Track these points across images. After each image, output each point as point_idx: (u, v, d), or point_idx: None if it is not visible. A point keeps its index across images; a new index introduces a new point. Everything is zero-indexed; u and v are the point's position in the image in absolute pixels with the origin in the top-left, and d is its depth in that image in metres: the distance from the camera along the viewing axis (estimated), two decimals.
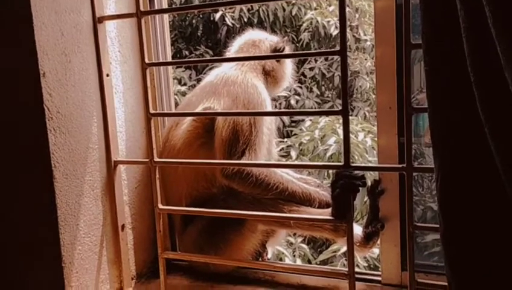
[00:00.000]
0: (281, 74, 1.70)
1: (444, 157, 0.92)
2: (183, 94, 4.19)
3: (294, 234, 2.85)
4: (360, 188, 1.26)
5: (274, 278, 1.53)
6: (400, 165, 1.23)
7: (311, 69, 5.19)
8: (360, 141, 3.50)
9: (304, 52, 4.45)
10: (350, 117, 1.22)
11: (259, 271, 1.54)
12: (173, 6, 4.19)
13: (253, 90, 1.51)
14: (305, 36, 5.15)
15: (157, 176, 1.40)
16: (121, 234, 1.48)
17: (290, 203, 1.43)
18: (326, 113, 3.78)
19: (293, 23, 5.33)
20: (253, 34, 1.74)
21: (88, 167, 1.37)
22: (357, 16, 5.36)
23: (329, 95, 5.31)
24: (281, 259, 2.88)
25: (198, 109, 1.51)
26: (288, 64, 1.74)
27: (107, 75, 1.42)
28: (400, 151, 1.31)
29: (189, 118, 1.54)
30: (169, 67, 1.72)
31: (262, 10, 5.11)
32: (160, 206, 1.42)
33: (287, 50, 1.70)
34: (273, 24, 5.18)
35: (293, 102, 4.87)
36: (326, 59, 5.18)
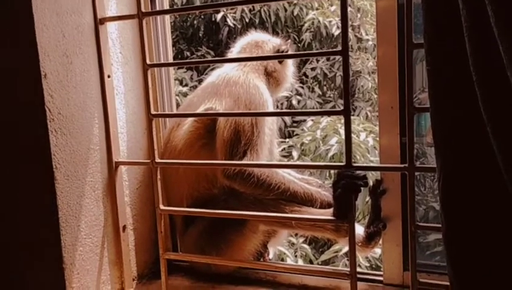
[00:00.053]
0: (282, 75, 1.70)
1: (446, 156, 0.92)
2: (185, 95, 4.19)
3: (296, 235, 2.85)
4: (362, 188, 1.25)
5: (275, 279, 1.52)
6: (402, 165, 1.22)
7: (313, 69, 5.19)
8: (362, 140, 3.50)
9: (305, 52, 4.45)
10: (352, 117, 1.22)
11: (260, 271, 1.54)
12: (174, 7, 4.20)
13: (255, 90, 1.51)
14: (306, 36, 5.15)
15: (159, 176, 1.40)
16: (122, 235, 1.48)
17: (292, 203, 1.43)
18: (328, 113, 3.77)
19: (294, 24, 5.33)
20: (256, 36, 1.74)
21: (89, 168, 1.37)
22: (358, 15, 5.36)
23: (331, 95, 5.31)
24: (282, 259, 2.87)
25: (200, 110, 1.51)
26: (290, 66, 1.74)
27: (109, 76, 1.42)
28: (401, 151, 1.31)
29: (190, 119, 1.54)
30: (171, 68, 1.72)
31: (264, 11, 5.11)
32: (162, 207, 1.42)
33: (290, 52, 1.70)
34: (275, 24, 5.18)
35: (294, 102, 4.87)
36: (328, 59, 5.18)
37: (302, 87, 5.06)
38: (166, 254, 1.44)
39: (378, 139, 1.48)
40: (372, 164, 2.92)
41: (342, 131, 1.54)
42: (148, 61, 1.36)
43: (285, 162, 3.43)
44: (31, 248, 1.33)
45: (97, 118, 1.40)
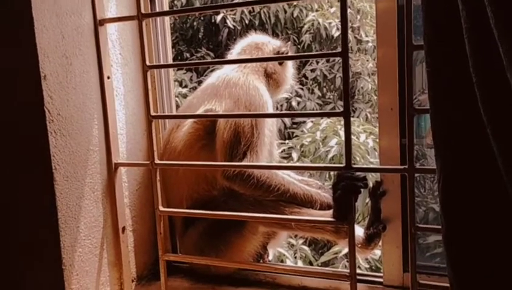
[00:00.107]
0: (282, 76, 1.70)
1: (445, 158, 0.92)
2: (184, 96, 4.19)
3: (296, 236, 2.84)
4: (362, 190, 1.25)
5: (275, 280, 1.52)
6: (402, 167, 1.22)
7: (312, 70, 5.19)
8: (362, 142, 3.50)
9: (305, 53, 4.43)
10: (352, 118, 1.22)
11: (260, 273, 1.54)
12: (174, 8, 4.20)
13: (254, 92, 1.51)
14: (306, 38, 5.16)
15: (158, 178, 1.40)
16: (121, 236, 1.48)
17: (291, 204, 1.43)
18: (328, 115, 3.78)
19: (294, 25, 5.33)
20: (256, 37, 1.74)
21: (89, 169, 1.37)
22: (358, 17, 5.36)
23: (331, 97, 5.31)
24: (282, 261, 2.87)
25: (200, 111, 1.51)
26: (290, 68, 1.74)
27: (108, 78, 1.42)
28: (401, 152, 1.31)
29: (190, 120, 1.54)
30: (170, 69, 1.72)
31: (264, 12, 5.12)
32: (161, 208, 1.42)
33: (290, 54, 1.70)
34: (275, 26, 5.19)
35: (294, 104, 4.87)
36: (327, 60, 5.19)
37: (302, 89, 5.06)
38: (165, 255, 1.44)
39: (378, 140, 1.48)
40: (372, 166, 2.92)
41: (342, 132, 1.54)
42: (147, 63, 1.36)
43: (285, 163, 3.43)
44: (30, 249, 1.33)
45: (97, 119, 1.40)
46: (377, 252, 2.16)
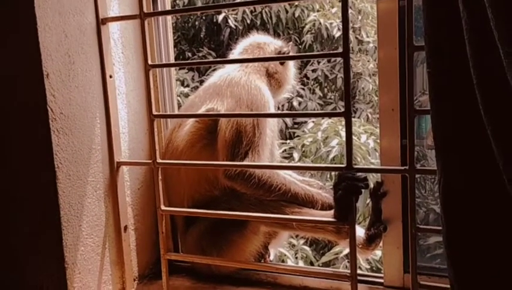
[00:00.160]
0: (284, 76, 1.70)
1: (446, 159, 0.92)
2: (186, 96, 4.19)
3: (297, 236, 2.84)
4: (363, 190, 1.25)
5: (276, 280, 1.53)
6: (403, 167, 1.22)
7: (313, 70, 5.19)
8: (363, 142, 3.49)
9: (306, 54, 4.43)
10: (353, 119, 1.22)
11: (261, 273, 1.54)
12: (176, 7, 4.21)
13: (256, 91, 1.52)
14: (307, 38, 5.16)
15: (160, 177, 1.41)
16: (123, 235, 1.48)
17: (293, 204, 1.43)
18: (329, 115, 3.77)
19: (295, 25, 5.33)
20: (257, 37, 1.74)
21: (91, 167, 1.37)
22: (359, 17, 5.36)
23: (332, 97, 5.31)
24: (283, 261, 2.87)
25: (201, 110, 1.52)
26: (292, 68, 1.75)
27: (110, 77, 1.43)
28: (402, 153, 1.31)
29: (192, 120, 1.54)
30: (172, 68, 1.72)
31: (265, 12, 5.12)
32: (163, 207, 1.42)
33: (291, 54, 1.70)
34: (276, 26, 5.19)
35: (295, 104, 4.87)
36: (328, 61, 5.19)
37: (303, 89, 5.06)
38: (167, 255, 1.45)
39: (378, 141, 1.48)
40: (372, 166, 2.92)
41: (343, 133, 1.54)
42: (149, 62, 1.37)
43: (286, 163, 3.43)
44: (32, 248, 1.33)
45: (99, 118, 1.40)
46: (378, 253, 2.17)
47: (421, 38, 0.99)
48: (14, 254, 1.36)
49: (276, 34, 4.77)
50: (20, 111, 1.28)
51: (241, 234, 1.47)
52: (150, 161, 1.42)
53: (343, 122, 1.20)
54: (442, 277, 1.31)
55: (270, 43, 1.70)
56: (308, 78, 5.20)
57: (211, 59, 4.91)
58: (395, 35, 1.27)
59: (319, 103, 5.09)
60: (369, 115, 5.04)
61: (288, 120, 4.64)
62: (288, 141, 4.11)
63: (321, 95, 5.23)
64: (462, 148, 0.90)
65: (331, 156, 3.48)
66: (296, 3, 5.15)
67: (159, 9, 1.57)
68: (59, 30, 1.26)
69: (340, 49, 1.16)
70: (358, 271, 1.29)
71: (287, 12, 5.23)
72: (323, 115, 3.94)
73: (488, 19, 0.76)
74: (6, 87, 1.28)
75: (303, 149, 3.84)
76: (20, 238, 1.35)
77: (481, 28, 0.79)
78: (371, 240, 1.39)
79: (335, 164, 3.35)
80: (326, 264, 3.01)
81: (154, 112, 1.40)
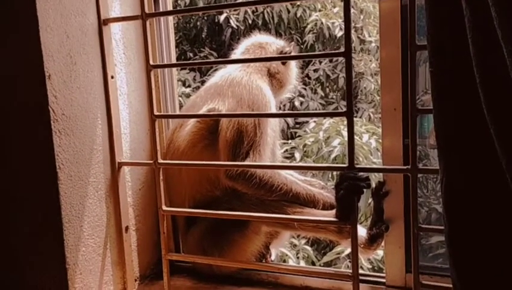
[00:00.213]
0: (285, 76, 1.70)
1: (448, 158, 0.92)
2: (188, 96, 4.20)
3: (298, 236, 2.85)
4: (365, 190, 1.25)
5: (278, 280, 1.52)
6: (405, 167, 1.22)
7: (315, 70, 5.19)
8: (365, 142, 3.49)
9: (308, 53, 4.44)
10: (354, 118, 1.22)
11: (262, 273, 1.54)
12: (178, 8, 4.21)
13: (257, 91, 1.51)
14: (309, 38, 5.16)
15: (161, 177, 1.41)
16: (124, 236, 1.48)
17: (294, 204, 1.43)
18: (331, 115, 3.77)
19: (297, 25, 5.33)
20: (259, 37, 1.74)
21: (92, 168, 1.37)
22: (361, 17, 5.36)
23: (334, 97, 5.31)
24: (284, 261, 2.87)
25: (203, 110, 1.52)
26: (293, 67, 1.74)
27: (112, 77, 1.43)
28: (404, 152, 1.31)
29: (193, 120, 1.54)
30: (174, 69, 1.72)
31: (267, 12, 5.12)
32: (164, 207, 1.42)
33: (293, 54, 1.70)
34: (278, 26, 5.19)
35: (297, 103, 4.88)
36: (330, 60, 5.19)
37: (305, 89, 5.07)
38: (168, 255, 1.44)
39: (380, 140, 1.48)
40: (374, 166, 2.91)
41: (345, 133, 1.54)
42: (151, 62, 1.37)
43: (287, 163, 3.43)
44: (34, 248, 1.34)
45: (100, 119, 1.40)
46: (380, 253, 2.16)
47: (423, 38, 0.98)
48: (14, 254, 1.36)
49: (278, 34, 4.76)
50: (21, 112, 1.28)
51: (242, 234, 1.46)
52: (151, 161, 1.42)
53: (345, 122, 1.20)
54: (445, 276, 1.31)
55: (272, 43, 1.70)
56: (309, 78, 5.21)
57: (213, 59, 4.91)
58: (397, 34, 1.27)
59: (320, 103, 5.09)
60: (371, 115, 5.04)
61: (290, 120, 4.64)
62: (289, 141, 4.11)
63: (323, 94, 5.23)
64: (464, 147, 0.90)
65: (333, 155, 3.48)
66: (298, 3, 5.15)
67: (161, 10, 1.56)
68: (61, 31, 1.26)
69: (342, 49, 1.15)
70: (360, 271, 1.29)
71: (288, 12, 5.23)
72: (325, 115, 3.93)
73: (491, 17, 0.76)
74: (7, 88, 1.28)
75: (305, 149, 3.84)
76: (20, 239, 1.35)
77: (484, 26, 0.79)
78: (372, 240, 1.39)
79: (337, 163, 3.35)
80: (328, 264, 3.01)
81: (156, 113, 1.40)
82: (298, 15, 5.24)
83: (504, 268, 0.90)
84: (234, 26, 5.09)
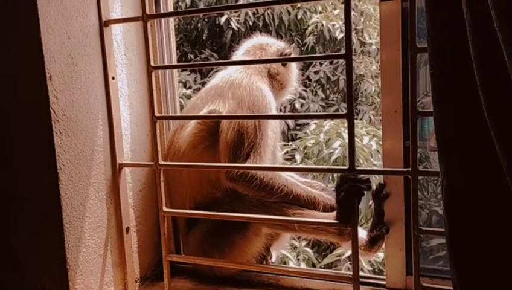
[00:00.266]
0: (286, 78, 1.70)
1: (449, 161, 0.92)
2: (188, 97, 4.20)
3: (299, 238, 2.85)
4: (365, 192, 1.25)
5: (278, 282, 1.52)
6: (405, 169, 1.22)
7: (316, 72, 5.20)
8: (365, 144, 3.49)
9: (309, 55, 4.45)
10: (355, 121, 1.22)
11: (263, 274, 1.54)
12: (179, 9, 4.22)
13: (258, 93, 1.52)
14: (310, 40, 5.16)
15: (162, 178, 1.41)
16: (125, 237, 1.48)
17: (295, 206, 1.43)
18: (331, 117, 3.78)
19: (298, 27, 5.34)
20: (260, 39, 1.75)
21: (93, 169, 1.37)
22: (362, 19, 5.37)
23: (334, 99, 5.31)
24: (285, 263, 2.87)
25: (203, 112, 1.52)
26: (294, 69, 1.75)
27: (113, 78, 1.43)
28: (405, 155, 1.31)
29: (194, 121, 1.55)
30: (175, 70, 1.72)
31: (268, 14, 5.13)
32: (165, 209, 1.42)
33: (293, 55, 1.70)
34: (279, 28, 5.20)
35: (297, 105, 4.88)
36: (331, 63, 5.19)
37: (306, 91, 5.07)
38: (169, 256, 1.44)
39: (381, 143, 1.48)
40: (375, 168, 2.91)
41: (345, 135, 1.54)
42: (152, 64, 1.37)
43: (288, 165, 3.43)
44: (34, 249, 1.34)
45: (101, 120, 1.40)
46: (380, 255, 2.16)
47: (424, 40, 0.98)
48: (14, 254, 1.36)
49: (279, 36, 4.77)
50: (21, 112, 1.28)
51: (243, 235, 1.46)
52: (152, 163, 1.42)
53: (346, 124, 1.20)
54: (445, 278, 1.31)
55: (273, 45, 1.70)
56: (310, 80, 5.21)
57: (213, 61, 4.92)
58: (397, 36, 1.27)
59: (321, 105, 5.10)
60: (372, 117, 5.04)
61: (291, 122, 4.64)
62: (290, 143, 4.11)
63: (323, 96, 5.23)
64: (464, 149, 0.90)
65: (333, 157, 3.48)
66: (299, 5, 5.15)
67: (162, 11, 1.57)
68: (62, 32, 1.26)
69: (343, 51, 1.16)
70: (361, 273, 1.28)
71: (289, 14, 5.24)
72: (325, 117, 3.94)
73: (491, 20, 0.76)
74: (8, 88, 1.29)
75: (305, 151, 3.84)
76: (21, 239, 1.35)
77: (484, 29, 0.79)
78: (373, 242, 1.39)
79: (337, 165, 3.35)
80: (329, 266, 3.01)
81: (157, 114, 1.40)
82: (299, 17, 5.25)
83: (504, 270, 0.90)
84: (235, 28, 5.09)
